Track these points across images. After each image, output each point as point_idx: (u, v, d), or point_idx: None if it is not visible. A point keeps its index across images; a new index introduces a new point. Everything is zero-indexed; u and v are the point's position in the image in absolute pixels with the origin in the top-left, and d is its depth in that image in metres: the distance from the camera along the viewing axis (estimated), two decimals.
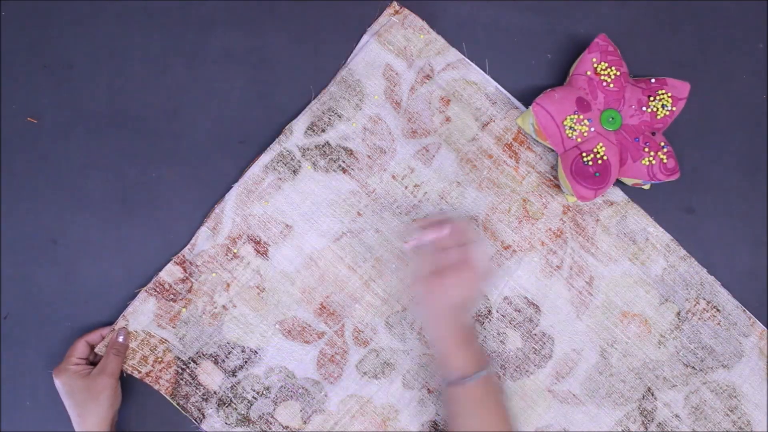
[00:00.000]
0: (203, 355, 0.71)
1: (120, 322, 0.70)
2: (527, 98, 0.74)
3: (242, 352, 0.71)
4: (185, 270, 0.71)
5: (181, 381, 0.70)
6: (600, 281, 0.72)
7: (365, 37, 0.74)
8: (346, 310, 0.72)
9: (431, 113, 0.73)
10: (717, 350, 0.72)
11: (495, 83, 0.73)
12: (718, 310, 0.72)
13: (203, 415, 0.70)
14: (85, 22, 0.74)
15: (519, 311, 0.72)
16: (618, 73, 0.69)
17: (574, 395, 0.71)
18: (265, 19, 0.74)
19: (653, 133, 0.69)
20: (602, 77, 0.68)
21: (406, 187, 0.73)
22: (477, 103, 0.73)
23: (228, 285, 0.71)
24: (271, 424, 0.71)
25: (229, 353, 0.71)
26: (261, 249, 0.72)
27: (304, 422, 0.71)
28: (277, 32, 0.74)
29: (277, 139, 0.72)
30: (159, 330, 0.70)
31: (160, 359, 0.70)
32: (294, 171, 0.72)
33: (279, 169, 0.72)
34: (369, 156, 0.73)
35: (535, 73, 0.74)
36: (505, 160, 0.73)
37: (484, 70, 0.74)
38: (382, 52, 0.73)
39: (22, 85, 0.73)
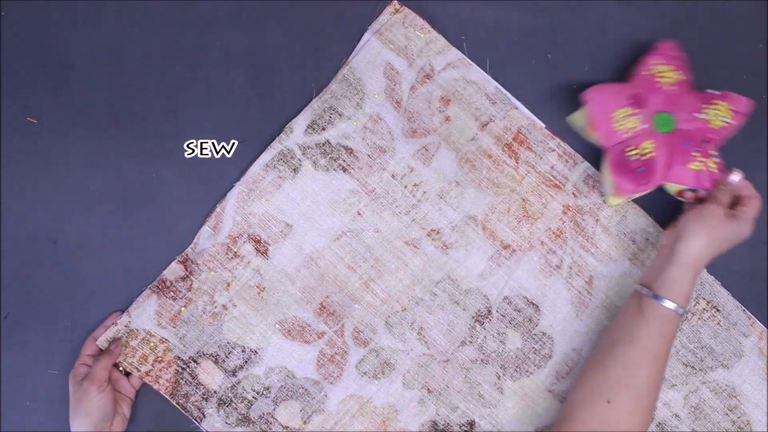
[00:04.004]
0: (203, 354, 0.70)
1: (123, 319, 0.70)
2: (527, 98, 0.74)
3: (242, 351, 0.71)
4: (186, 268, 0.71)
5: (181, 380, 0.70)
6: (600, 281, 0.72)
7: (366, 36, 0.74)
8: (346, 310, 0.72)
9: (431, 113, 0.73)
10: (716, 350, 0.72)
11: (495, 83, 0.73)
12: (717, 310, 0.72)
13: (203, 414, 0.70)
14: (85, 22, 0.74)
15: (519, 311, 0.72)
16: (680, 78, 0.69)
17: None
18: (265, 19, 0.74)
19: (706, 141, 0.68)
20: (663, 80, 0.68)
21: (405, 187, 0.73)
22: (477, 102, 0.73)
23: (228, 284, 0.71)
24: (271, 423, 0.71)
25: (229, 353, 0.71)
26: (261, 248, 0.72)
27: (304, 422, 0.71)
28: (277, 32, 0.74)
29: (277, 138, 0.72)
30: (159, 329, 0.70)
31: (160, 359, 0.70)
32: (294, 170, 0.72)
33: (279, 168, 0.72)
34: (369, 155, 0.73)
35: (535, 73, 0.74)
36: (504, 159, 0.73)
37: (485, 70, 0.74)
38: (383, 51, 0.73)
39: (22, 85, 0.73)
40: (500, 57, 0.74)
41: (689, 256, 0.64)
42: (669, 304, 0.63)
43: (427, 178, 0.73)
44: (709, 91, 0.69)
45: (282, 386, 0.71)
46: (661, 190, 0.73)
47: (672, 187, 0.70)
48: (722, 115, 0.68)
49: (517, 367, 0.72)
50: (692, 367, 0.72)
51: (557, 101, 0.74)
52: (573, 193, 0.73)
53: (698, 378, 0.72)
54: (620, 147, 0.68)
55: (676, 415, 0.71)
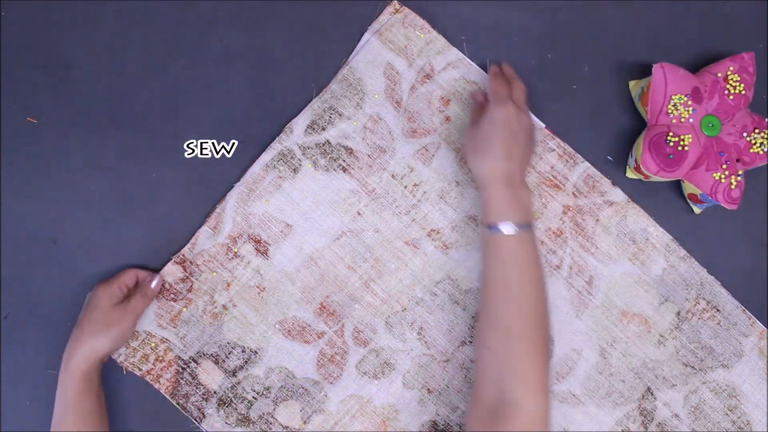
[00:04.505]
0: (204, 354, 0.71)
1: None
2: (527, 98, 0.74)
3: (242, 352, 0.71)
4: (185, 269, 0.71)
5: (181, 380, 0.71)
6: (600, 281, 0.72)
7: (366, 35, 0.74)
8: (346, 310, 0.72)
9: (431, 113, 0.73)
10: (716, 350, 0.72)
11: None
12: (718, 310, 0.72)
13: (203, 414, 0.70)
14: (84, 22, 0.74)
15: None
16: (743, 93, 0.69)
17: (573, 395, 0.71)
18: (265, 19, 0.74)
19: (738, 160, 0.69)
20: (728, 86, 0.69)
21: (405, 187, 0.73)
22: None
23: (228, 284, 0.71)
24: (271, 424, 0.71)
25: (229, 353, 0.71)
26: (261, 248, 0.72)
27: (304, 422, 0.71)
28: (277, 32, 0.74)
29: (277, 138, 0.72)
30: (160, 330, 0.71)
31: (160, 358, 0.70)
32: (294, 170, 0.72)
33: (279, 168, 0.72)
34: (369, 155, 0.73)
35: (535, 73, 0.74)
36: None
37: (485, 70, 0.74)
38: (383, 51, 0.73)
39: (21, 85, 0.73)
40: (500, 57, 0.74)
41: (481, 176, 0.65)
42: (487, 229, 0.63)
43: (427, 178, 0.73)
44: (767, 120, 0.70)
45: (282, 386, 0.71)
46: (662, 190, 0.73)
47: (688, 188, 0.70)
48: (766, 145, 0.69)
49: None
50: (692, 367, 0.72)
51: (557, 101, 0.74)
52: (573, 193, 0.73)
53: (698, 378, 0.72)
54: (663, 129, 0.69)
55: (676, 415, 0.71)
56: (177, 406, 0.70)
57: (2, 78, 0.74)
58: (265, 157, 0.72)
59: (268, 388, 0.71)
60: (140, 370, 0.70)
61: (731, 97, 0.69)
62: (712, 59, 0.72)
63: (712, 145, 0.69)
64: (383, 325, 0.72)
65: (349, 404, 0.71)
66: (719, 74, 0.69)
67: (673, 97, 0.68)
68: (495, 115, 0.65)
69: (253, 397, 0.71)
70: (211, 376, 0.71)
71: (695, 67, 0.72)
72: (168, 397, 0.70)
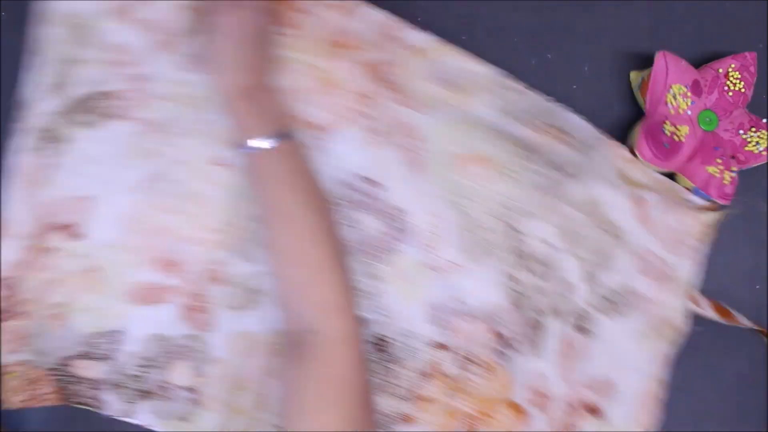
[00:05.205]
0: (71, 358, 0.65)
1: None
2: None
3: (107, 337, 0.65)
4: (8, 287, 0.65)
5: (64, 384, 0.65)
6: (428, 132, 0.67)
7: None
8: (187, 255, 0.66)
9: (171, 9, 0.66)
10: (568, 170, 0.69)
11: None
12: (565, 132, 0.70)
13: (101, 402, 0.65)
14: None
15: (358, 191, 0.67)
16: (742, 91, 0.69)
17: (449, 261, 0.67)
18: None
19: (733, 157, 0.69)
20: (728, 82, 0.69)
21: (183, 104, 0.65)
22: None
23: (56, 281, 0.65)
24: (170, 389, 0.65)
25: (95, 344, 0.65)
26: (72, 232, 0.65)
27: (202, 377, 0.66)
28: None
29: (22, 119, 0.66)
30: (13, 356, 0.65)
31: (32, 380, 0.65)
32: (65, 141, 0.65)
33: (46, 147, 0.65)
34: (132, 89, 0.65)
35: (535, 73, 0.74)
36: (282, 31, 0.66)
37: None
38: None
39: (22, 85, 0.73)
40: (500, 57, 0.74)
41: (220, 95, 0.58)
42: (240, 150, 0.57)
43: (201, 86, 0.65)
44: (764, 120, 0.70)
45: (161, 351, 0.65)
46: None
47: (681, 181, 0.71)
48: (762, 144, 0.69)
49: (382, 249, 0.67)
50: (548, 191, 0.68)
51: (557, 101, 0.74)
52: (371, 49, 0.67)
53: (556, 200, 0.68)
54: (661, 118, 0.69)
55: (553, 246, 0.68)
56: (77, 405, 0.66)
57: (2, 78, 0.74)
58: (23, 142, 0.65)
59: (150, 359, 0.65)
60: (22, 401, 0.65)
61: (730, 93, 0.69)
62: (712, 59, 0.72)
63: (708, 139, 0.69)
64: (230, 255, 0.66)
65: (236, 344, 0.66)
66: (720, 70, 0.70)
67: (673, 86, 0.68)
68: (222, 22, 0.57)
69: (141, 372, 0.65)
70: (90, 370, 0.65)
71: (695, 66, 0.72)
72: (62, 403, 0.66)
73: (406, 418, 0.68)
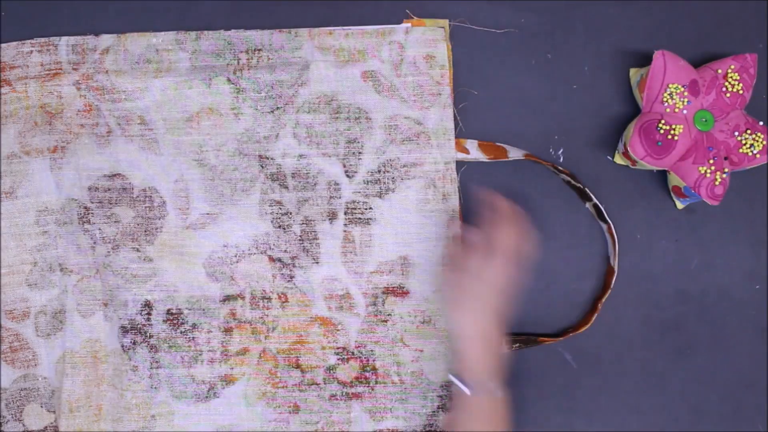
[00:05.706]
0: None
1: None
2: (527, 99, 0.74)
3: None
4: None
5: None
6: (147, 114, 0.71)
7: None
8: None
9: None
10: (284, 79, 0.71)
11: None
12: (263, 51, 0.72)
13: None
14: (85, 22, 0.74)
15: (109, 190, 0.71)
16: (740, 92, 0.69)
17: (204, 214, 0.71)
18: (265, 18, 0.74)
19: (726, 158, 0.69)
20: (726, 83, 0.69)
21: None
22: None
23: None
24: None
25: None
26: None
27: (54, 413, 0.69)
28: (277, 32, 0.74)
29: None
30: None
31: None
32: None
33: None
34: None
35: (535, 73, 0.74)
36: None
37: (484, 70, 0.74)
38: None
39: None
40: (500, 57, 0.74)
41: (459, 337, 0.62)
42: (460, 387, 0.60)
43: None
44: (761, 123, 0.70)
45: (5, 405, 0.68)
46: (662, 190, 0.73)
47: (673, 179, 0.70)
48: (756, 147, 0.69)
49: (144, 232, 0.70)
50: (278, 108, 0.71)
51: (557, 101, 0.74)
52: (73, 68, 0.72)
53: (289, 110, 0.71)
54: (656, 116, 0.69)
55: (303, 155, 0.71)
56: None
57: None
58: None
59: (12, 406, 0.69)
60: None
61: (728, 95, 0.69)
62: (712, 59, 0.72)
63: (702, 139, 0.69)
64: (25, 288, 0.69)
65: (61, 367, 0.69)
66: (719, 71, 0.70)
67: (670, 86, 0.68)
68: (481, 271, 0.62)
69: (5, 421, 0.68)
70: None
71: (695, 66, 0.72)
72: None
73: (228, 378, 0.70)
